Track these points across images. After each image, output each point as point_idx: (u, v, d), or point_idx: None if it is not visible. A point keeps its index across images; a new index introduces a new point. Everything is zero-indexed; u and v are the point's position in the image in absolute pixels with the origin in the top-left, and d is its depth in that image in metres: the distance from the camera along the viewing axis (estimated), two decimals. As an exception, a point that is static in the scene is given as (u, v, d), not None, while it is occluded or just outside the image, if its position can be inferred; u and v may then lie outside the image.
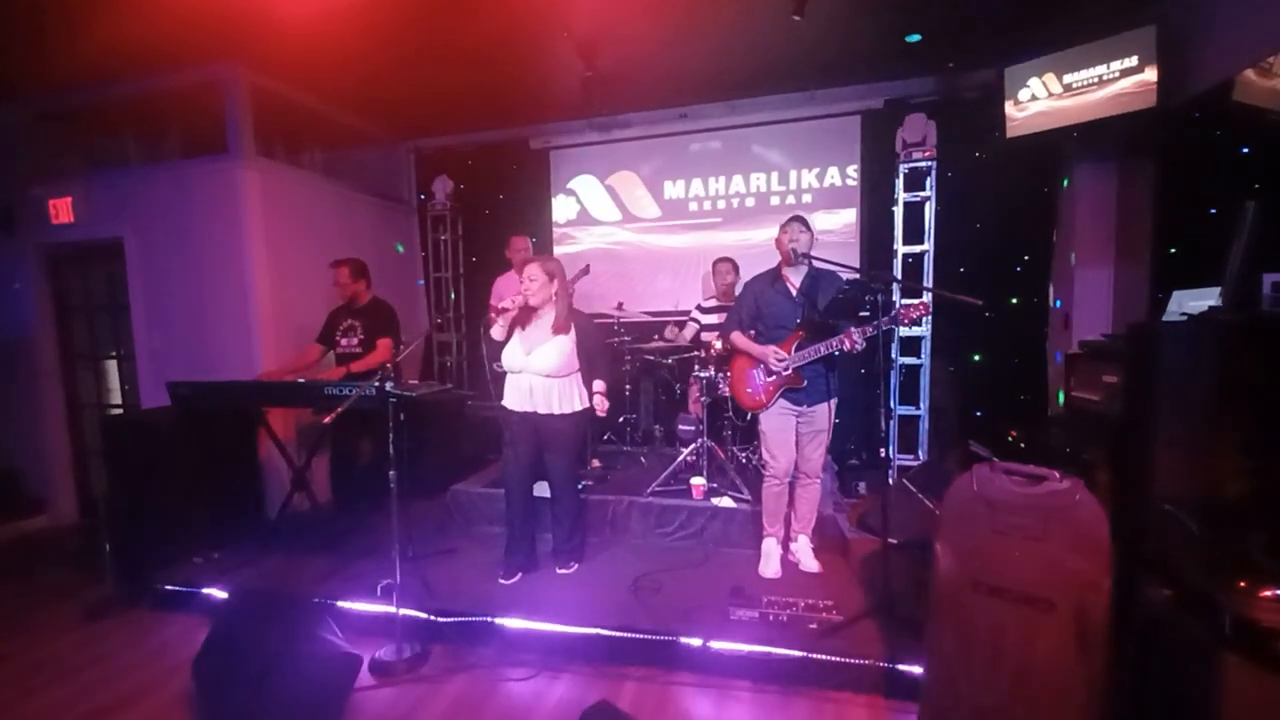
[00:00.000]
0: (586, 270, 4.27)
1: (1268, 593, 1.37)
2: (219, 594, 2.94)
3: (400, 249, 5.41)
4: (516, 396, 2.83)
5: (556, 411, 2.80)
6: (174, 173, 4.08)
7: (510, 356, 2.81)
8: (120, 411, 4.53)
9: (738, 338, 2.91)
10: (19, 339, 4.48)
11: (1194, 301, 2.07)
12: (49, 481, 4.53)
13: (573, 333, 2.81)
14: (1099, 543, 1.62)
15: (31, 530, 4.35)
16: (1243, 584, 1.41)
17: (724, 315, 3.31)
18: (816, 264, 2.81)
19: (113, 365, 4.65)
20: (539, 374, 2.78)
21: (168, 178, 4.07)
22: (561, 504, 3.00)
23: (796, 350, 2.74)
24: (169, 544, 3.23)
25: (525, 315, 2.82)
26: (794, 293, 2.82)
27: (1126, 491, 1.96)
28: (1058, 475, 1.71)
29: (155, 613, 2.99)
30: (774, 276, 2.89)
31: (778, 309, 2.83)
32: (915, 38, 3.66)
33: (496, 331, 2.82)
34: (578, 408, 2.87)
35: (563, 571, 2.98)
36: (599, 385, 2.91)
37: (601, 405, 2.92)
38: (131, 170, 4.28)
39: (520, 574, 2.94)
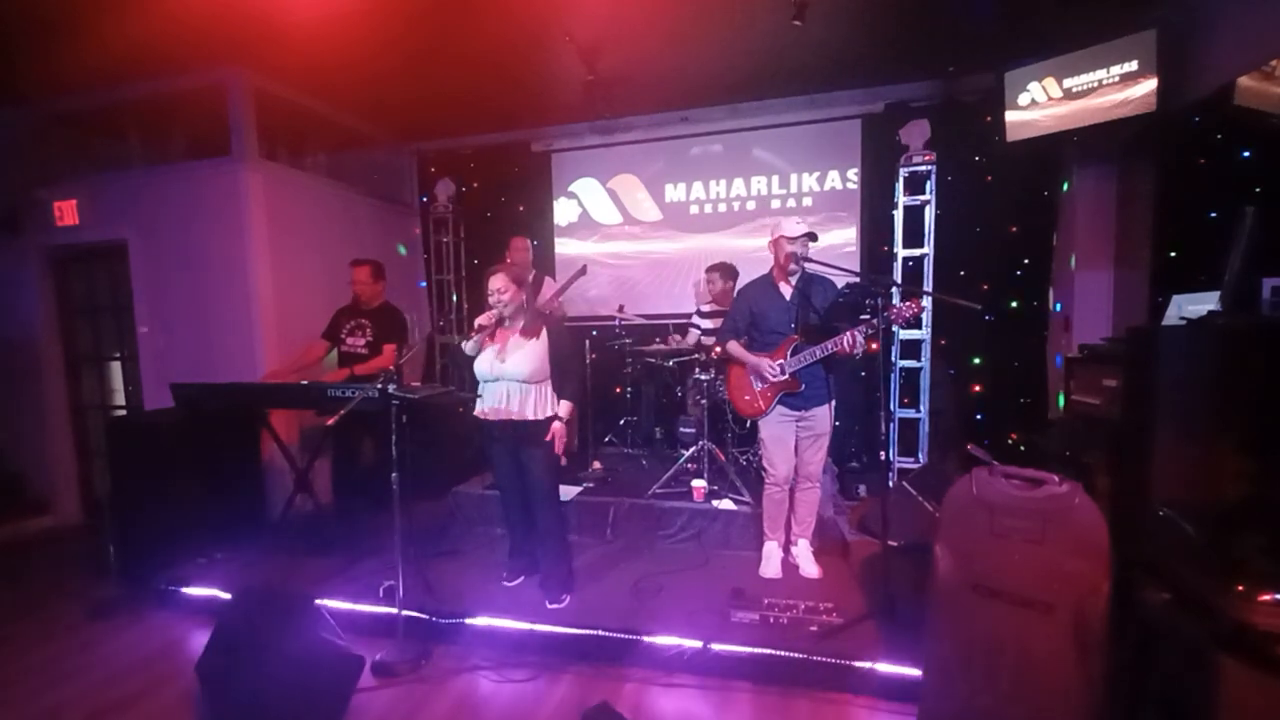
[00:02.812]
0: (583, 271, 4.28)
1: (1265, 596, 1.38)
2: (222, 595, 2.95)
3: (402, 251, 5.42)
4: (494, 403, 2.70)
5: (531, 417, 2.66)
6: (178, 175, 4.10)
7: (484, 364, 2.71)
8: (124, 413, 4.55)
9: (733, 347, 2.91)
10: (23, 340, 4.50)
11: (1193, 305, 2.07)
12: (53, 482, 4.55)
13: (544, 337, 2.71)
14: (1098, 546, 1.63)
15: (35, 531, 4.36)
16: (1240, 588, 1.42)
17: (721, 320, 3.31)
18: (808, 267, 2.82)
19: (116, 366, 4.67)
20: (515, 380, 2.66)
21: (171, 180, 4.09)
22: (544, 524, 2.78)
23: (792, 354, 2.75)
24: (172, 545, 3.24)
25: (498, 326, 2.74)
26: (788, 297, 2.83)
27: (1125, 495, 1.96)
28: (1057, 479, 1.72)
29: (158, 613, 3.00)
30: (768, 282, 2.90)
31: (773, 315, 2.83)
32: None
33: (469, 347, 2.74)
34: (552, 413, 2.72)
35: (554, 606, 2.68)
36: (564, 409, 2.69)
37: (560, 436, 2.67)
38: (136, 172, 4.30)
39: (523, 576, 2.94)
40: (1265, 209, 1.88)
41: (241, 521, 3.57)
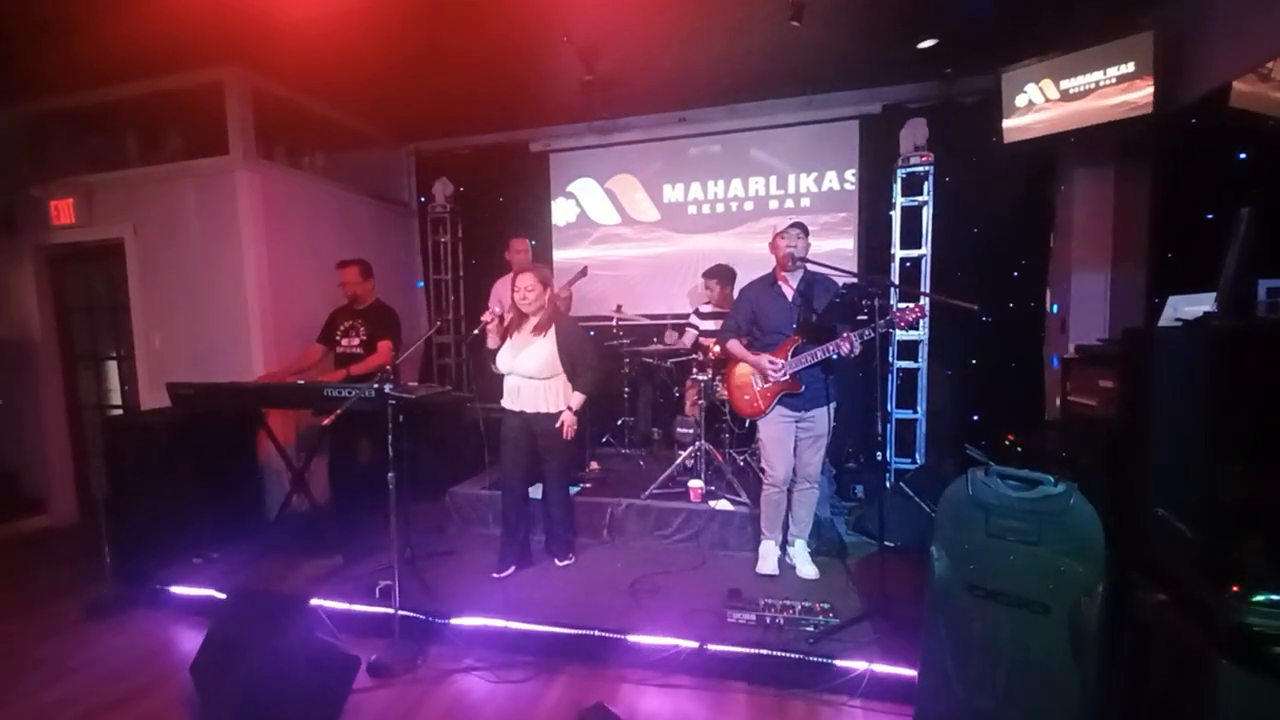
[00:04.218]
0: (584, 272, 4.28)
1: (1261, 598, 1.38)
2: (218, 595, 2.94)
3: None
4: (510, 397, 2.98)
5: (544, 410, 2.91)
6: (175, 174, 4.08)
7: (501, 359, 2.96)
8: (120, 412, 4.54)
9: (734, 346, 2.92)
10: (20, 339, 4.48)
11: (1189, 307, 2.07)
12: (49, 482, 4.54)
13: (552, 335, 2.89)
14: (1094, 547, 1.63)
15: (31, 530, 4.36)
16: (1236, 589, 1.42)
17: (721, 321, 3.31)
18: (811, 268, 2.82)
19: (113, 366, 4.66)
20: (524, 376, 2.90)
21: (169, 179, 4.07)
22: (553, 502, 3.12)
23: (793, 355, 2.75)
24: (168, 545, 3.23)
25: (518, 321, 2.94)
26: (790, 297, 2.83)
27: (1121, 496, 1.96)
28: (1053, 480, 1.72)
29: (154, 613, 2.99)
30: (769, 281, 2.90)
31: (774, 314, 2.84)
32: (929, 42, 3.66)
33: (491, 340, 2.96)
34: (564, 405, 2.93)
35: (562, 564, 3.11)
36: (575, 400, 2.91)
37: (569, 425, 2.90)
38: (133, 172, 4.27)
39: (513, 567, 2.98)
40: (1261, 211, 1.88)
41: (238, 521, 3.57)
